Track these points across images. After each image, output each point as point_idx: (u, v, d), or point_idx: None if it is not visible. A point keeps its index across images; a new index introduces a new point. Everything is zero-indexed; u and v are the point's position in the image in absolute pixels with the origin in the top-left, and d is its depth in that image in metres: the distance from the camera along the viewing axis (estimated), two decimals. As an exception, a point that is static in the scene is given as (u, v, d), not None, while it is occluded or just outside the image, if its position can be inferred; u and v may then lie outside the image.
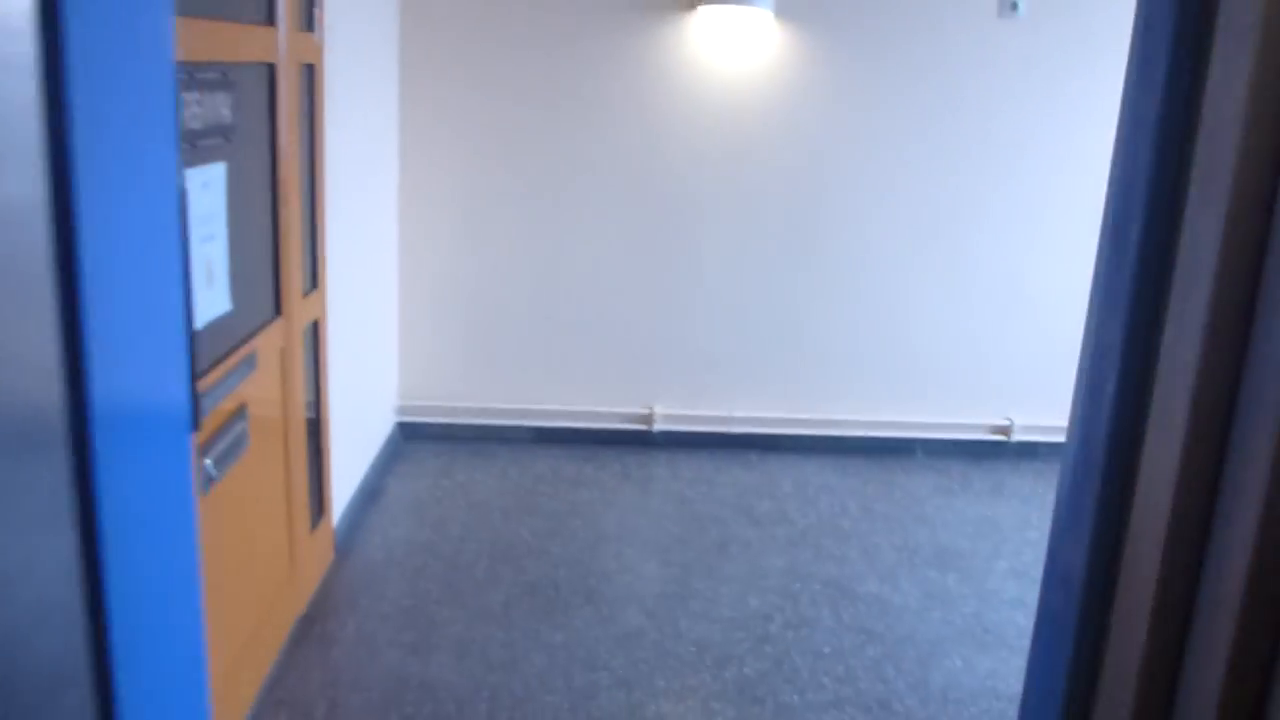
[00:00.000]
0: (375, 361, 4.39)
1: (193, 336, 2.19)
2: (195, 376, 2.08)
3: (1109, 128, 4.52)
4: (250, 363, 2.71)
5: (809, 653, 3.18)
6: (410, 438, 4.74)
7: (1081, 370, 1.42)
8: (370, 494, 4.13)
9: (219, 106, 2.42)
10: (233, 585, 2.69)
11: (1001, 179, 4.61)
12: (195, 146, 2.28)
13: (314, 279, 3.35)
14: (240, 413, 2.65)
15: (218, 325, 2.50)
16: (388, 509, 4.03)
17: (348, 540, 3.74)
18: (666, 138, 4.50)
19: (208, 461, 2.43)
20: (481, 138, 4.50)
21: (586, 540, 3.85)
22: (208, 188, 2.38)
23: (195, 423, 2.11)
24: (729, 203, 4.58)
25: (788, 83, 4.44)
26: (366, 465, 4.18)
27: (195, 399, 2.08)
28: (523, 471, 4.44)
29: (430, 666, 3.01)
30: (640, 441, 4.79)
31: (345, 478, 3.83)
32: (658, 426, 4.77)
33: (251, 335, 2.75)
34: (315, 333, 3.39)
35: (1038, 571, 3.85)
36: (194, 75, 2.26)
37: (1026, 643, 3.37)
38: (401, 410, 4.74)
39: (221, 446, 2.52)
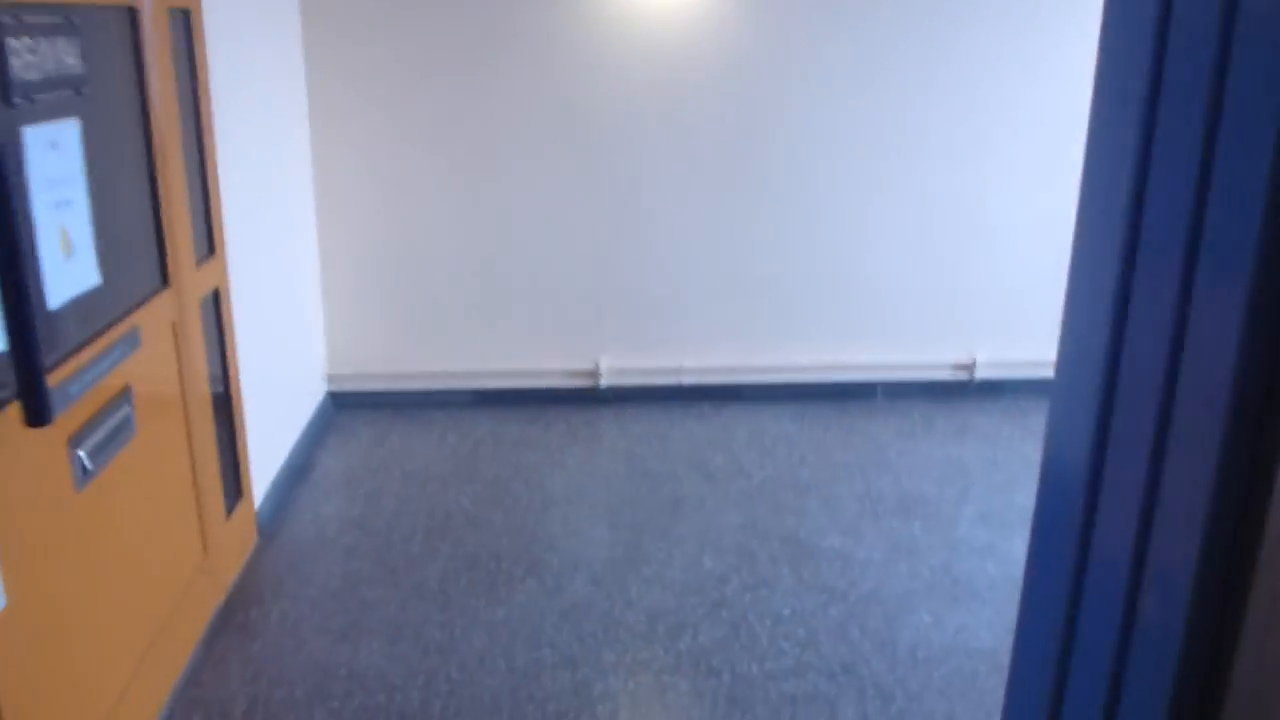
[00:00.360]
0: (297, 330, 4.12)
1: (39, 318, 1.93)
2: (38, 364, 1.82)
3: (1070, 46, 4.29)
4: (132, 340, 2.43)
5: (768, 616, 2.98)
6: (342, 408, 4.47)
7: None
8: (298, 470, 3.87)
9: (62, 55, 2.12)
10: (132, 582, 2.44)
11: (959, 105, 4.36)
12: (33, 101, 1.99)
13: (210, 245, 3.06)
14: (123, 396, 2.38)
15: (84, 302, 2.22)
16: (317, 485, 3.78)
17: (273, 521, 3.49)
18: (601, 75, 4.22)
19: (80, 453, 2.16)
20: (401, 85, 4.19)
21: (530, 506, 3.62)
22: (57, 147, 2.09)
23: (43, 415, 1.85)
24: (671, 141, 4.31)
25: (729, 11, 4.16)
26: (293, 440, 3.92)
27: (39, 390, 1.82)
28: (462, 437, 4.20)
29: (360, 653, 2.78)
30: (587, 399, 4.55)
31: (268, 455, 3.57)
32: (604, 382, 4.53)
33: (131, 310, 2.47)
34: (217, 302, 3.11)
35: (1006, 515, 3.69)
36: (22, 18, 1.96)
37: (998, 594, 3.21)
38: (331, 379, 4.47)
39: (99, 436, 2.25)
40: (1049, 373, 4.54)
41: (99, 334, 2.28)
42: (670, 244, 4.43)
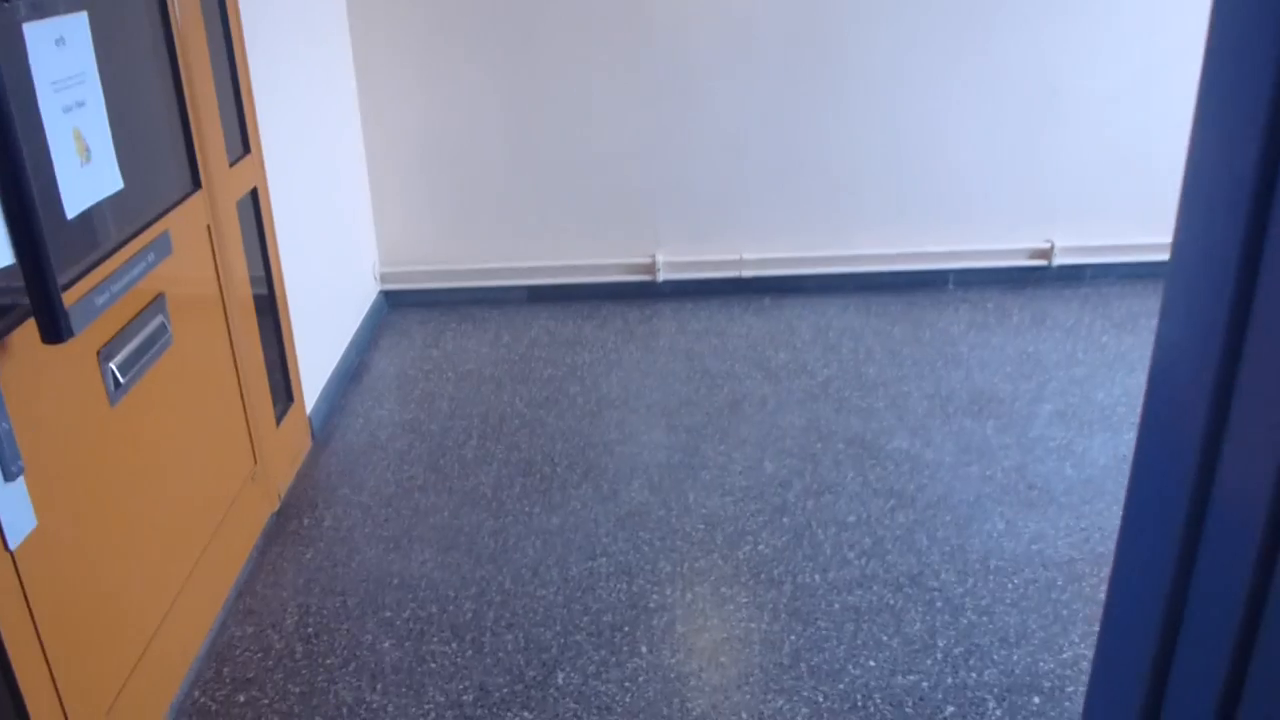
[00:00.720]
0: (345, 229, 4.00)
1: (53, 229, 1.82)
2: (48, 279, 1.71)
3: None
4: (163, 246, 2.33)
5: (831, 523, 2.86)
6: (396, 306, 4.38)
7: None
8: (351, 372, 3.81)
9: (65, -64, 1.96)
10: (176, 495, 2.39)
11: (1036, -32, 4.03)
12: (34, -10, 1.85)
13: (245, 144, 2.93)
14: (156, 304, 2.29)
15: (107, 209, 2.11)
16: (371, 387, 3.72)
17: (326, 426, 3.44)
18: (650, -52, 3.95)
19: (111, 366, 2.09)
20: (441, -36, 3.97)
21: (586, 408, 3.52)
22: (64, 45, 1.96)
23: (57, 333, 1.76)
24: (727, 22, 4.05)
25: None
26: (345, 341, 3.84)
27: (52, 306, 1.73)
28: (516, 336, 4.10)
29: (412, 562, 2.73)
30: (644, 294, 4.41)
31: (319, 358, 3.51)
32: (662, 276, 4.38)
33: (161, 214, 2.36)
34: (255, 203, 3.00)
35: (1086, 413, 3.50)
36: (16, -106, 1.80)
37: (1075, 499, 3.05)
38: (384, 278, 4.37)
39: (132, 347, 2.17)
40: (1133, 257, 4.29)
41: (125, 242, 2.18)
42: (728, 130, 4.20)
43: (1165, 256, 4.01)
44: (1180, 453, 0.93)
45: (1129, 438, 3.28)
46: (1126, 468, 3.12)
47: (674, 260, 4.36)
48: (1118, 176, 4.33)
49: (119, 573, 2.12)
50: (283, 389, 3.19)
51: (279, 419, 3.09)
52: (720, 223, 4.34)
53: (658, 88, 4.13)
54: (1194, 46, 4.14)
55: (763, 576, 2.65)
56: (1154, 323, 4.10)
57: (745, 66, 4.10)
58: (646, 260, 4.36)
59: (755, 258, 4.37)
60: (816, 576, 2.64)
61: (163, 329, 2.32)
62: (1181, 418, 0.93)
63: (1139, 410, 3.11)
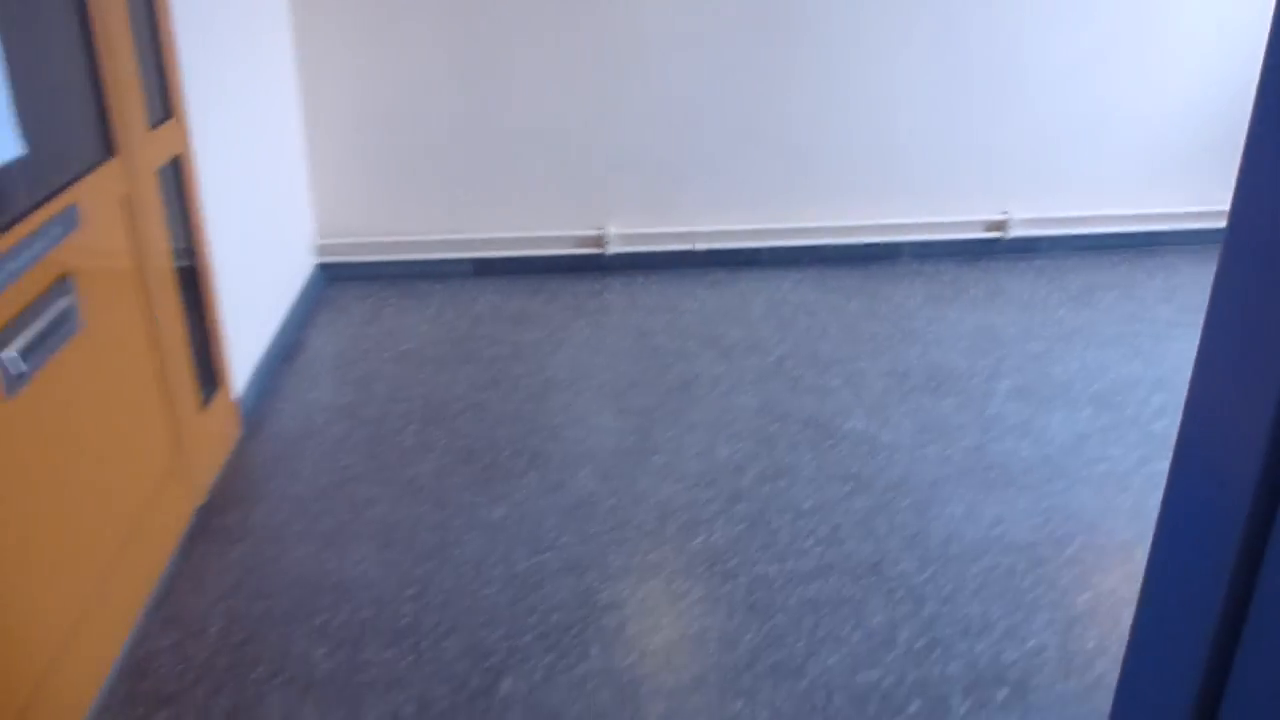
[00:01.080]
0: (279, 198, 3.80)
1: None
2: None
3: None
4: (68, 220, 2.14)
5: (788, 510, 2.76)
6: (334, 280, 4.19)
7: None
8: (285, 351, 3.62)
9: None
10: (87, 492, 2.22)
11: (994, -69, 3.91)
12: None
13: (166, 107, 2.73)
14: (60, 286, 2.11)
15: (5, 178, 1.92)
16: (306, 368, 3.54)
17: (257, 410, 3.26)
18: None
19: (9, 354, 1.90)
20: (375, -81, 3.76)
21: (532, 390, 3.37)
22: (-56, -5, 1.76)
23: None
24: (676, -19, 3.89)
25: None
26: (279, 319, 3.65)
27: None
28: (460, 312, 3.93)
29: (348, 561, 2.58)
30: (593, 267, 4.26)
31: (250, 337, 3.32)
32: (611, 249, 4.23)
33: (66, 185, 2.16)
34: (178, 171, 2.80)
35: (1044, 390, 3.42)
36: None
37: (1035, 478, 2.97)
38: (321, 250, 4.17)
39: (31, 334, 1.99)
40: (1087, 229, 4.21)
41: (23, 215, 1.98)
42: (681, 99, 4.04)
43: (1120, 229, 3.96)
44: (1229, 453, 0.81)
45: (1086, 414, 3.21)
46: (1085, 446, 3.06)
47: (625, 233, 4.21)
48: (1073, 148, 4.25)
49: (18, 583, 1.95)
50: (209, 373, 3.00)
51: (204, 405, 2.91)
52: (672, 194, 4.19)
53: (609, 54, 3.96)
54: (1152, 20, 4.07)
55: (718, 569, 2.54)
56: (1109, 296, 4.06)
57: (699, 33, 3.94)
58: (596, 233, 4.21)
59: (708, 230, 4.24)
60: (773, 567, 2.54)
61: (70, 312, 2.13)
62: (1233, 407, 0.82)
63: (1095, 386, 3.04)
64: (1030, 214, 4.32)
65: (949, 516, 2.73)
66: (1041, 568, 2.55)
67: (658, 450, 3.03)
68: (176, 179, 2.81)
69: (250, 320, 3.33)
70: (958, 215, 4.31)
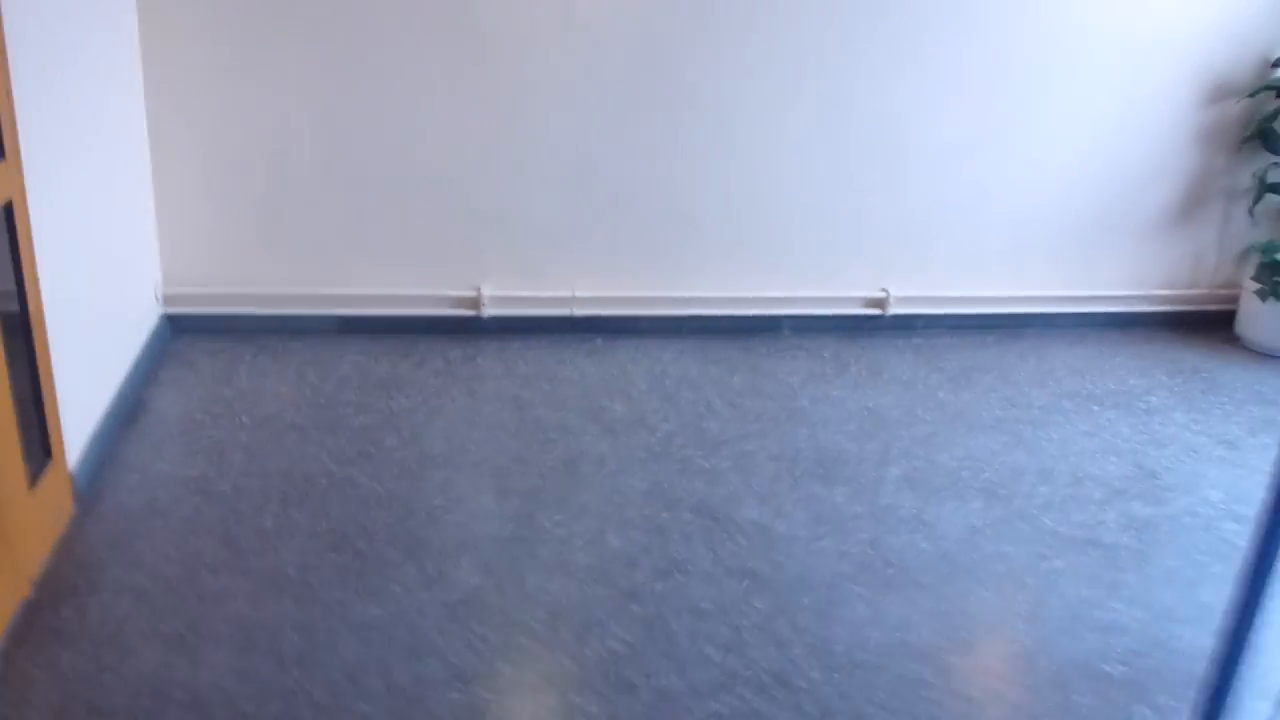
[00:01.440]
0: (122, 241, 3.45)
1: None
2: None
3: None
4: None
5: (686, 611, 2.60)
6: (182, 332, 3.84)
7: None
8: (126, 414, 3.27)
9: None
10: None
11: (878, 14, 3.92)
12: None
13: None
14: None
15: None
16: (150, 434, 3.20)
17: (95, 484, 2.91)
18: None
19: None
20: (248, -51, 3.49)
21: (405, 466, 3.13)
22: None
23: None
24: (567, 44, 3.75)
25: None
26: (120, 377, 3.30)
27: None
28: (324, 374, 3.65)
29: (200, 668, 2.28)
30: (466, 329, 4.04)
31: (86, 399, 2.97)
32: (487, 311, 4.02)
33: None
34: (10, 216, 2.46)
35: (934, 478, 3.38)
36: None
37: (934, 577, 2.89)
38: (168, 300, 3.82)
39: None
40: (963, 309, 4.25)
41: None
42: (563, 159, 3.90)
43: (993, 309, 3.99)
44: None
45: (977, 506, 3.18)
46: (979, 541, 3.02)
47: (501, 295, 4.02)
48: (950, 229, 4.30)
49: None
50: (39, 441, 2.65)
51: (33, 480, 2.56)
52: (551, 256, 4.02)
53: (491, 105, 3.77)
54: (1029, 109, 4.17)
55: (615, 680, 2.35)
56: (986, 378, 4.10)
57: (586, 91, 3.81)
58: (471, 293, 3.99)
59: (587, 295, 4.08)
60: (674, 678, 2.37)
61: (-123, 394, 1.81)
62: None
63: (983, 475, 2.97)
64: (909, 292, 4.34)
65: (852, 619, 2.63)
66: (948, 677, 2.46)
67: (544, 539, 2.84)
68: (8, 223, 2.48)
69: (88, 378, 2.99)
70: (838, 291, 4.30)
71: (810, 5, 3.84)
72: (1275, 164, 4.39)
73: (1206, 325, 4.71)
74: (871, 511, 3.11)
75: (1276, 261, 4.35)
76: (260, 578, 2.58)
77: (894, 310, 4.35)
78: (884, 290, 4.32)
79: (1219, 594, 2.88)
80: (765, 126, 3.98)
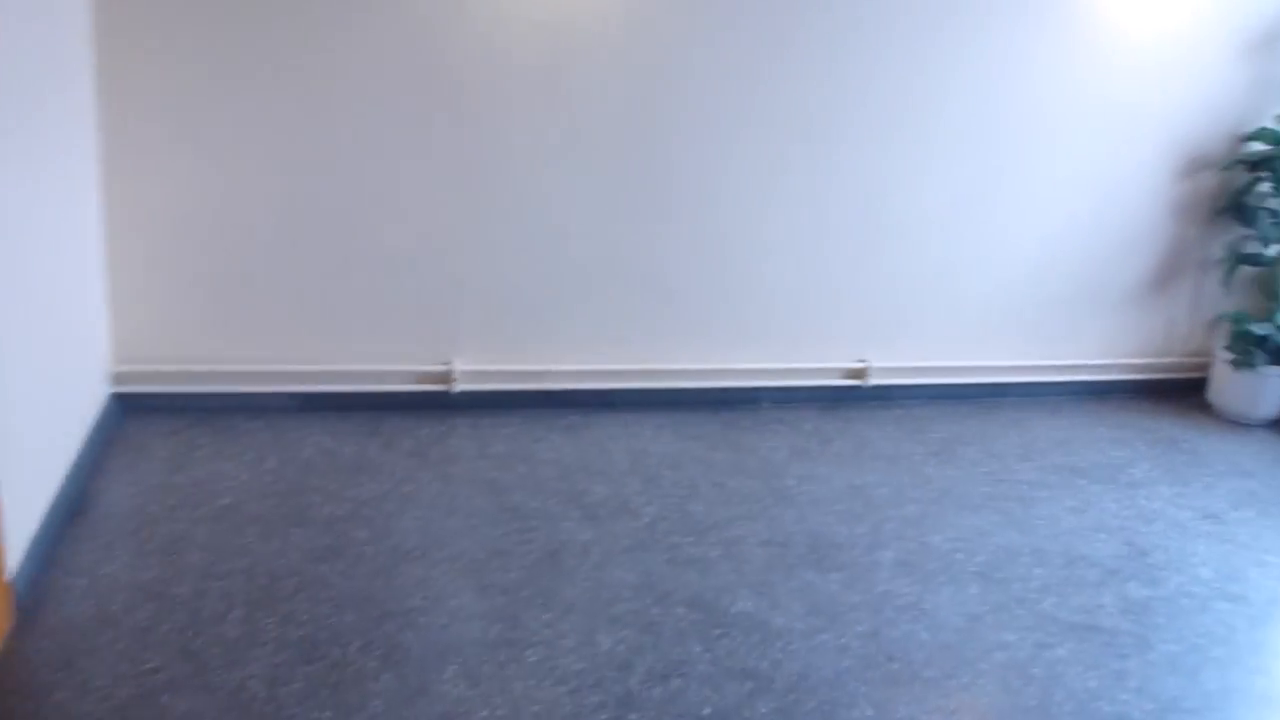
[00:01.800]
0: (68, 315, 3.24)
1: None
2: None
3: (988, 26, 3.72)
4: None
5: (687, 718, 2.44)
6: (133, 413, 3.62)
7: None
8: (72, 507, 3.04)
9: None
10: None
11: (860, 88, 3.87)
12: None
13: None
14: None
15: None
16: (98, 530, 2.97)
17: (35, 590, 2.68)
18: (470, 32, 3.49)
19: None
20: (220, 22, 3.34)
21: (378, 562, 2.94)
22: None
23: None
24: (546, 114, 3.64)
25: (615, -46, 3.51)
26: (64, 465, 3.07)
27: None
28: (287, 457, 3.45)
29: (162, 805, 2.07)
30: (437, 405, 3.87)
31: (26, 493, 2.74)
32: (459, 386, 3.86)
33: None
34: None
35: (928, 562, 3.25)
36: None
37: (937, 671, 2.74)
38: (118, 378, 3.61)
39: None
40: (943, 379, 4.17)
41: None
42: (539, 229, 3.77)
43: (973, 379, 3.91)
44: None
45: (974, 592, 3.07)
46: (980, 630, 2.89)
47: (473, 369, 3.86)
48: (929, 299, 4.24)
49: None
50: (-22, 547, 2.43)
51: (-28, 593, 2.34)
52: (526, 329, 3.88)
53: (464, 173, 3.65)
54: (1004, 178, 4.15)
55: (618, 804, 2.19)
56: (970, 451, 4.00)
57: (562, 166, 3.70)
58: (441, 368, 3.83)
59: (564, 369, 3.94)
60: (681, 800, 2.21)
61: None
62: None
63: (978, 558, 2.83)
64: (889, 362, 4.26)
65: (860, 723, 2.49)
66: (963, 785, 2.33)
67: (531, 641, 2.66)
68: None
69: (28, 470, 2.76)
70: (818, 362, 4.20)
71: (792, 78, 3.78)
72: (1247, 236, 4.40)
73: (1180, 393, 4.69)
74: (868, 600, 2.98)
75: (1248, 332, 4.34)
76: (225, 696, 2.37)
77: (874, 381, 4.26)
78: (863, 360, 4.24)
79: (1222, 680, 2.79)
80: (743, 198, 3.90)
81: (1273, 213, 4.29)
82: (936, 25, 3.84)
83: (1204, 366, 4.66)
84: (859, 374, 4.25)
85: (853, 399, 4.29)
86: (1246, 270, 4.46)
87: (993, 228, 4.19)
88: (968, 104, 3.98)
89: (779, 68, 3.77)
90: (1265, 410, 4.45)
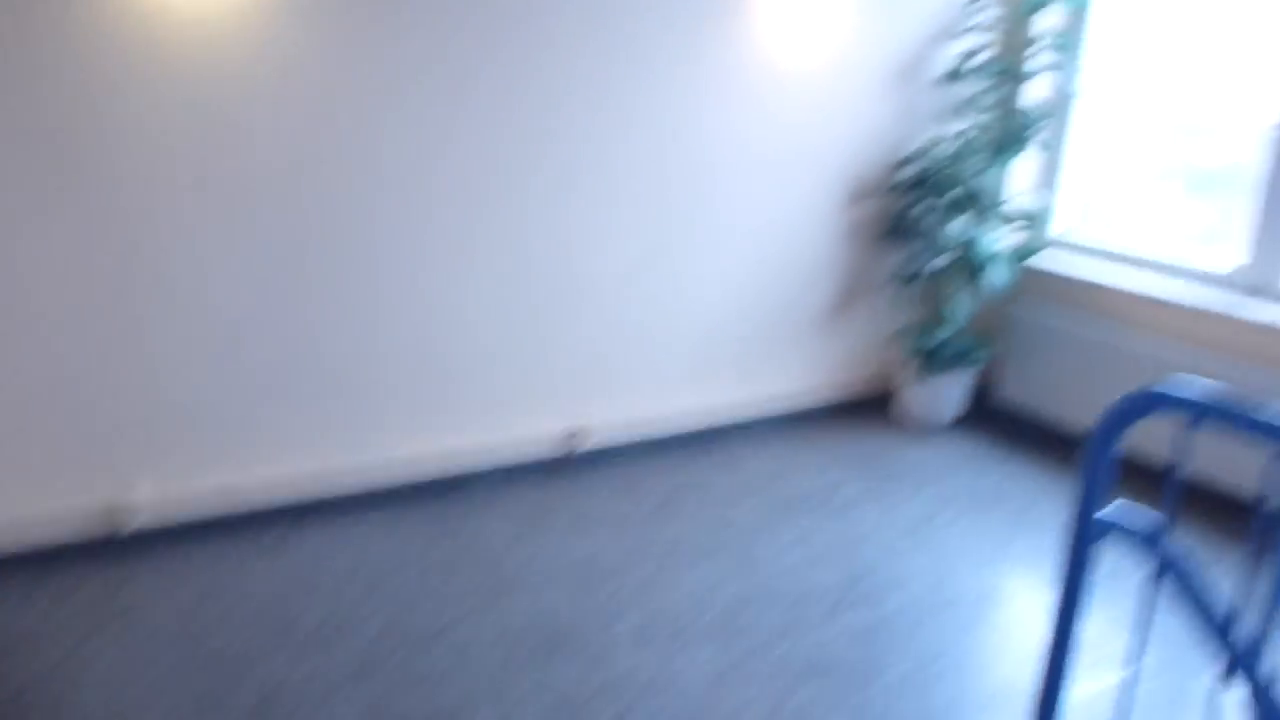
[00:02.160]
0: None
1: None
2: None
3: (652, 80, 3.74)
4: None
5: None
6: None
7: None
8: None
9: None
10: None
11: (538, 150, 3.81)
12: None
13: None
14: None
15: None
16: None
17: None
18: (106, 99, 3.11)
19: None
20: None
21: (53, 753, 2.53)
22: None
23: None
24: (200, 191, 3.31)
25: (272, 27, 3.25)
26: None
27: None
28: (-75, 645, 2.92)
29: None
30: (110, 549, 3.42)
31: None
32: (133, 523, 3.43)
33: None
34: None
35: (665, 628, 3.10)
36: None
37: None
38: None
39: None
40: (657, 432, 4.18)
41: None
42: (205, 330, 3.42)
43: (685, 428, 3.93)
44: None
45: (712, 651, 3.04)
46: (722, 689, 2.86)
47: (149, 499, 3.44)
48: (632, 354, 4.24)
49: None
50: None
51: None
52: (207, 444, 3.51)
53: (113, 269, 3.24)
54: (695, 221, 4.22)
55: None
56: (690, 501, 4.01)
57: (226, 254, 3.38)
58: (109, 502, 3.39)
59: (255, 482, 3.60)
60: None
61: None
62: None
63: (709, 613, 2.81)
64: (600, 423, 4.21)
65: (619, 826, 2.37)
66: None
67: (249, 814, 2.36)
68: None
69: None
70: (528, 433, 4.09)
71: (470, 142, 3.65)
72: (911, 254, 4.72)
73: (874, 409, 4.96)
74: (610, 682, 2.88)
75: (922, 344, 4.65)
76: None
77: (588, 445, 4.20)
78: (575, 426, 4.17)
79: (953, 690, 2.91)
80: (431, 272, 3.73)
81: (929, 230, 4.63)
82: (603, 86, 3.85)
83: (887, 380, 4.95)
84: (572, 439, 4.17)
85: (570, 467, 4.20)
86: (915, 286, 4.79)
87: (681, 274, 4.25)
88: (641, 158, 4.01)
89: (457, 135, 3.64)
90: (945, 415, 4.78)
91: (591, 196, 3.96)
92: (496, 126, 3.69)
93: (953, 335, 4.66)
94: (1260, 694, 1.73)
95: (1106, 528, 2.02)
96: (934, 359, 4.65)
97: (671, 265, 4.22)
